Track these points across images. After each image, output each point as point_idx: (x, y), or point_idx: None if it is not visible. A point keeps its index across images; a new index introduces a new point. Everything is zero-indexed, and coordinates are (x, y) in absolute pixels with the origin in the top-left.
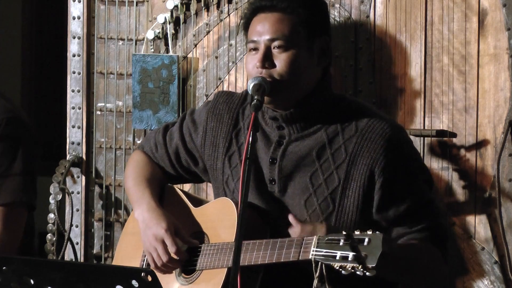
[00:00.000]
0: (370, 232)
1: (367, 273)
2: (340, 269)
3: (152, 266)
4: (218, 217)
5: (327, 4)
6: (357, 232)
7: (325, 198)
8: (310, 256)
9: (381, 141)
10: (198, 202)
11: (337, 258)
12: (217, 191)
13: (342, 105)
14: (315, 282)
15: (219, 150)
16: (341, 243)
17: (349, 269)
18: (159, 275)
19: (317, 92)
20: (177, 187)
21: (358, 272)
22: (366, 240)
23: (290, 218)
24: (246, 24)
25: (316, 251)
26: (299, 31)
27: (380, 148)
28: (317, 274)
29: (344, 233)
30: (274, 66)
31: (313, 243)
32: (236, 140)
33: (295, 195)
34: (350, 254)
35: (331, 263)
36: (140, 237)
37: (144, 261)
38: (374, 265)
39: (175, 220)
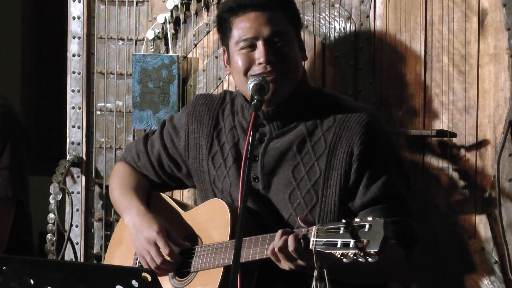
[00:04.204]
0: (371, 218)
1: (370, 259)
2: (342, 257)
3: None
4: (210, 218)
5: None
6: (357, 219)
7: (308, 190)
8: (311, 246)
9: (358, 128)
10: (186, 206)
11: (338, 246)
12: (204, 193)
13: (320, 98)
14: (316, 272)
15: (202, 152)
16: (341, 231)
17: (351, 256)
18: None
19: (300, 87)
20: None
21: (360, 259)
22: (367, 226)
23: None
24: (226, 25)
25: (316, 241)
26: (291, 27)
27: (357, 135)
28: (318, 264)
29: (343, 221)
30: (277, 61)
31: (313, 233)
32: (218, 140)
33: (278, 190)
34: (351, 241)
35: (332, 251)
36: (129, 246)
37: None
38: (376, 250)
39: (166, 223)
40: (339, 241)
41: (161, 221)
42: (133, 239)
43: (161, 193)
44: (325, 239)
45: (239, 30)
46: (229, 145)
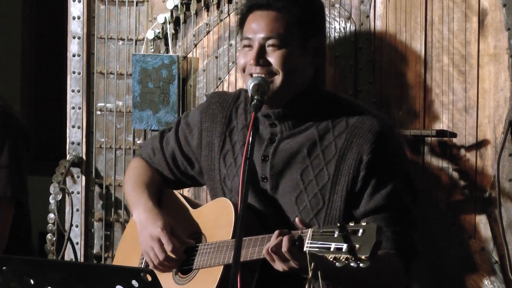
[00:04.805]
0: (364, 223)
1: (361, 264)
2: (334, 261)
3: (150, 266)
4: (215, 217)
5: (323, 5)
6: (351, 224)
7: (315, 194)
8: (305, 249)
9: (369, 136)
10: (196, 205)
11: (331, 249)
12: (214, 191)
13: (334, 102)
14: (310, 275)
15: (214, 150)
16: (335, 235)
17: (343, 260)
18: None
19: (310, 90)
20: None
21: (352, 264)
22: (360, 231)
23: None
24: (241, 20)
25: (310, 243)
26: (293, 30)
27: (368, 142)
28: (312, 267)
29: (338, 225)
30: (268, 63)
31: (308, 235)
32: (230, 139)
33: (286, 192)
34: (344, 246)
35: (325, 255)
36: (139, 240)
37: (142, 264)
38: (367, 256)
39: (171, 220)
40: (333, 245)
41: (166, 218)
42: (139, 235)
43: (174, 191)
44: (319, 242)
45: (246, 27)
46: (240, 144)
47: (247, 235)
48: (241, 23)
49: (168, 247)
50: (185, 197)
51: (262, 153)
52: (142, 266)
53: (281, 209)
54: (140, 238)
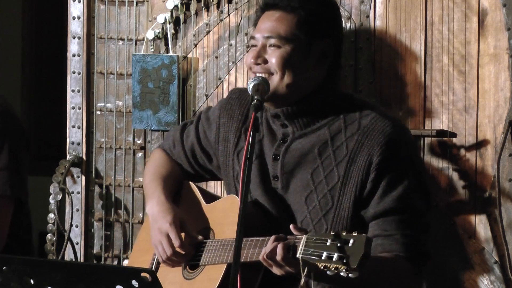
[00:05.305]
0: (355, 234)
1: (350, 274)
2: (325, 269)
3: (160, 260)
4: (224, 213)
5: (336, 8)
6: (344, 233)
7: (325, 194)
8: (298, 255)
9: (381, 138)
10: (211, 199)
11: (323, 258)
12: (228, 187)
13: (348, 103)
14: (302, 281)
15: (229, 146)
16: (328, 243)
17: (333, 269)
18: (166, 268)
19: (320, 91)
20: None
21: (341, 273)
22: (351, 241)
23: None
24: (255, 22)
25: (304, 250)
26: (295, 31)
27: (378, 145)
28: (304, 273)
29: (332, 233)
30: (267, 62)
31: (302, 242)
32: (245, 136)
33: (296, 191)
34: (335, 255)
35: (316, 263)
36: None
37: (156, 255)
38: (355, 266)
39: (182, 215)
40: (324, 253)
41: (177, 212)
42: (150, 228)
43: (192, 184)
44: (312, 250)
45: (256, 28)
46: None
47: (254, 234)
48: (255, 25)
49: (176, 243)
50: (202, 191)
51: (273, 152)
52: (155, 259)
53: (291, 208)
54: (151, 231)
